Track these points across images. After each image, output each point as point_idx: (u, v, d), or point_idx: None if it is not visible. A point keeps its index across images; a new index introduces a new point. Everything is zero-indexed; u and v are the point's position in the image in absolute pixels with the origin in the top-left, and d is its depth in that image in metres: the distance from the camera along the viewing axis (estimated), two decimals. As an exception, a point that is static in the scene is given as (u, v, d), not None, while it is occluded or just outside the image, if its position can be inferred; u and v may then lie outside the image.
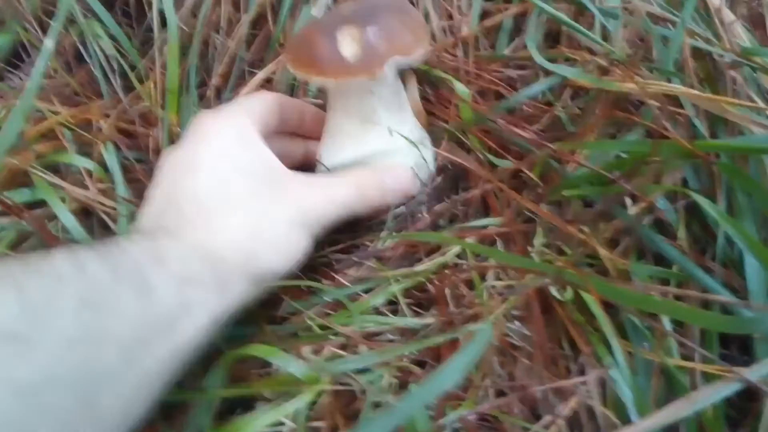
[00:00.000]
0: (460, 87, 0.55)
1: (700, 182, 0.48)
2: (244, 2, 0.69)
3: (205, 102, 0.67)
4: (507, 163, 0.53)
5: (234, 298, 0.40)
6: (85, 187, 0.54)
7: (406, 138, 0.51)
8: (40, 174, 0.54)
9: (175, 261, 0.38)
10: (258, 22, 0.69)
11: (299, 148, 0.56)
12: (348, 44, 0.45)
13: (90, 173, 0.56)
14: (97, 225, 0.55)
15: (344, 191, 0.47)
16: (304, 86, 0.64)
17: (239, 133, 0.45)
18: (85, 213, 0.55)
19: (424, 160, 0.52)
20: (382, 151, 0.51)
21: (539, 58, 0.55)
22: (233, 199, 0.42)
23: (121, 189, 0.55)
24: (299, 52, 0.47)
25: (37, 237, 0.51)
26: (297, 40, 0.49)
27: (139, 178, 0.56)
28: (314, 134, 0.55)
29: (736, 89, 0.52)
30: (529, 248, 0.48)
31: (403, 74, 0.55)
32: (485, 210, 0.53)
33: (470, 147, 0.54)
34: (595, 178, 0.48)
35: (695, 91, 0.46)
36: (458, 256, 0.49)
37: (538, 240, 0.49)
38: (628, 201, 0.49)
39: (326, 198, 0.46)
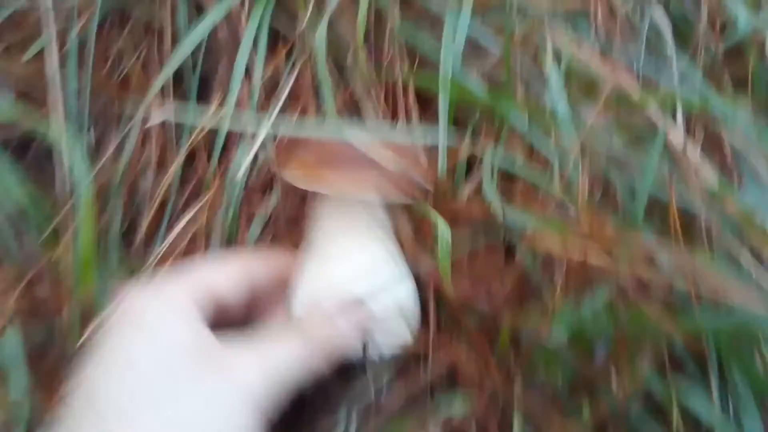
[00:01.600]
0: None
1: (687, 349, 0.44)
2: (175, 142, 0.64)
3: (133, 255, 0.60)
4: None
5: None
6: None
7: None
8: None
9: None
10: (190, 162, 0.63)
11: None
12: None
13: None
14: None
15: (293, 351, 0.40)
16: (245, 230, 0.58)
17: (160, 310, 0.40)
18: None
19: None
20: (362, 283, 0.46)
21: (500, 211, 0.51)
22: (161, 400, 0.36)
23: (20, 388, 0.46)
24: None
25: None
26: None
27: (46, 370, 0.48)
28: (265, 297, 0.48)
29: (713, 240, 0.48)
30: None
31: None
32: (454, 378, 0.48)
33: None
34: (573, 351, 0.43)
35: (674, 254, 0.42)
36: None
37: (518, 427, 0.43)
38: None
39: (268, 364, 0.39)
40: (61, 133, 0.57)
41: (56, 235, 0.58)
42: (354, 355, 0.45)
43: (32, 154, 0.66)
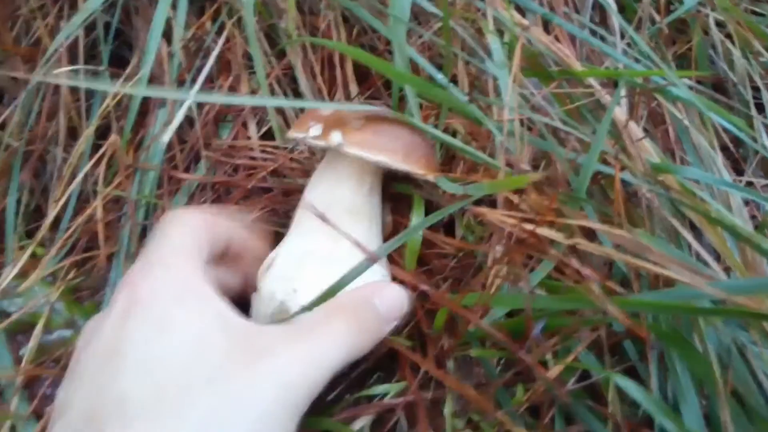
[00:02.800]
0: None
1: (627, 331, 0.42)
2: (86, 111, 0.58)
3: (37, 238, 0.54)
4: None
5: None
6: None
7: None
8: None
9: None
10: (104, 133, 0.58)
11: (235, 277, 0.43)
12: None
13: None
14: None
15: (340, 336, 0.36)
16: (165, 206, 0.53)
17: (179, 292, 0.34)
18: None
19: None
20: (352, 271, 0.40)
21: (447, 185, 0.48)
22: (177, 397, 0.30)
23: None
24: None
25: None
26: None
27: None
28: (244, 259, 0.43)
29: (653, 214, 0.47)
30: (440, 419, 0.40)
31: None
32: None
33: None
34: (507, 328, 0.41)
35: (615, 230, 0.40)
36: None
37: (449, 410, 0.40)
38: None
39: (319, 357, 0.34)
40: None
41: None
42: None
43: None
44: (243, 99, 0.55)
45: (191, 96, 0.44)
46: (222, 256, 0.42)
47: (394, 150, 0.43)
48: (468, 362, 0.43)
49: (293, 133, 0.45)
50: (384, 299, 0.40)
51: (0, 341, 0.47)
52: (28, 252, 0.52)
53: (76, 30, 0.54)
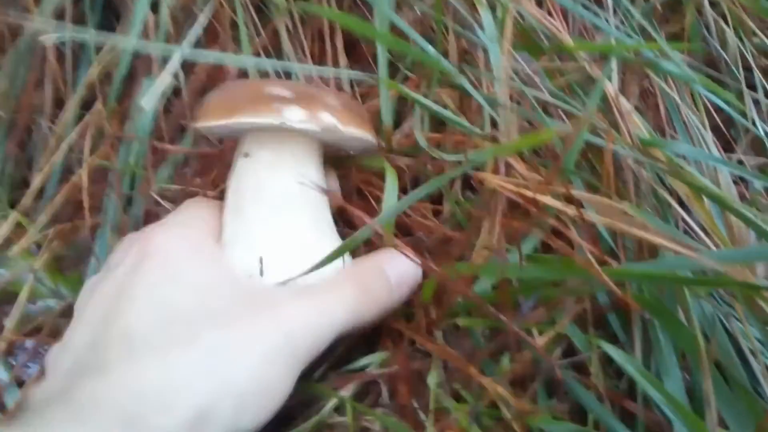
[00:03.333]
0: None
1: (612, 303, 0.42)
2: (73, 76, 0.57)
3: (21, 207, 0.54)
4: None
5: None
6: None
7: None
8: None
9: None
10: (91, 103, 0.57)
11: None
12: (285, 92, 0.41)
13: None
14: None
15: (347, 300, 0.37)
16: (150, 177, 0.53)
17: (193, 247, 0.37)
18: None
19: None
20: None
21: (435, 153, 0.47)
22: (183, 332, 0.32)
23: None
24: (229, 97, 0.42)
25: None
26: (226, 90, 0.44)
27: None
28: None
29: (641, 188, 0.46)
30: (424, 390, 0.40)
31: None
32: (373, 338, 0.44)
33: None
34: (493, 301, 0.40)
35: (604, 200, 0.40)
36: (336, 410, 0.39)
37: (433, 380, 0.40)
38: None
39: (323, 313, 0.35)
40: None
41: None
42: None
43: None
44: (228, 57, 0.54)
45: (177, 55, 0.44)
46: None
47: (371, 126, 0.44)
48: (454, 333, 0.43)
49: (249, 118, 0.39)
50: (395, 269, 0.40)
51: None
52: (11, 220, 0.51)
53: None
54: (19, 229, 0.51)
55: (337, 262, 0.39)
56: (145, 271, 0.34)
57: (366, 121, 0.44)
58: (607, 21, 0.59)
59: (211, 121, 0.40)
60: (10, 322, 0.46)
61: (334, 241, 0.42)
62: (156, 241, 0.36)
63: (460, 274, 0.40)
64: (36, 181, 0.54)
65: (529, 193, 0.40)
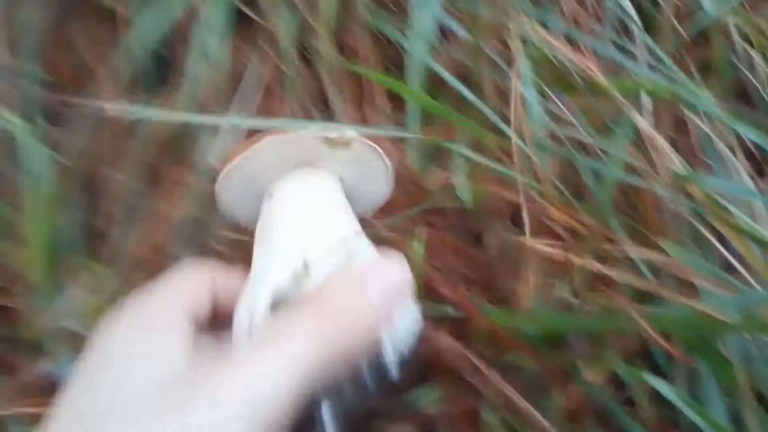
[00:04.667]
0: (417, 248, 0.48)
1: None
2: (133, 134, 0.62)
3: (94, 249, 0.58)
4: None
5: None
6: None
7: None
8: None
9: None
10: (150, 155, 0.61)
11: None
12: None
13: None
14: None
15: (309, 339, 0.29)
16: (212, 225, 0.57)
17: (156, 321, 0.32)
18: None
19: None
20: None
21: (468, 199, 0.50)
22: (141, 413, 0.28)
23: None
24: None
25: None
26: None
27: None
28: None
29: (678, 221, 0.49)
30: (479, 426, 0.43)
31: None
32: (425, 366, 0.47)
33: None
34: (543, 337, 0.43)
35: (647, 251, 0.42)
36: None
37: (488, 417, 0.43)
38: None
39: (279, 366, 0.29)
40: (17, 125, 0.55)
41: (14, 230, 0.56)
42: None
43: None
44: (275, 122, 0.58)
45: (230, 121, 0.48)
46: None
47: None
48: (506, 369, 0.45)
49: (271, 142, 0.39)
50: (379, 281, 0.32)
51: (69, 360, 0.50)
52: (86, 268, 0.55)
53: (125, 59, 0.57)
54: (95, 277, 0.56)
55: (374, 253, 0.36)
56: (111, 347, 0.31)
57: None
58: (636, 58, 0.61)
59: (229, 164, 0.39)
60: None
61: (368, 243, 0.38)
62: (102, 328, 0.32)
63: (507, 319, 0.43)
64: (107, 229, 0.58)
65: (562, 257, 0.43)
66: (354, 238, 0.37)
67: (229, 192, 0.42)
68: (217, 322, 0.36)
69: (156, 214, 0.57)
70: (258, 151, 0.39)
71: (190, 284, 0.35)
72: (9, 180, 0.62)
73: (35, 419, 0.46)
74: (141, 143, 0.60)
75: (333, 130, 0.39)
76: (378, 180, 0.44)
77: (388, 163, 0.42)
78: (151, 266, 0.55)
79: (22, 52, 0.59)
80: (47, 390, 0.49)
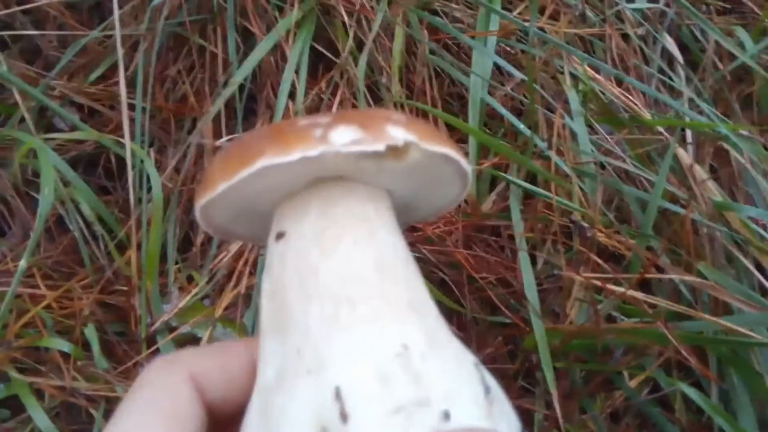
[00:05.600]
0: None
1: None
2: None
3: (190, 260, 0.67)
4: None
5: None
6: (62, 373, 0.53)
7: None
8: (17, 374, 0.53)
9: None
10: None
11: None
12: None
13: (69, 357, 0.55)
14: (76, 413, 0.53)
15: None
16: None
17: (165, 404, 0.26)
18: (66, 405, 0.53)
19: None
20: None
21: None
22: None
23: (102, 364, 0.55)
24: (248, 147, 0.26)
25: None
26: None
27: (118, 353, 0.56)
28: None
29: (716, 247, 0.54)
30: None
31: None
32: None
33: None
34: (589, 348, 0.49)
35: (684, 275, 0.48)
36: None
37: (538, 417, 0.49)
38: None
39: None
40: (130, 149, 0.64)
41: (124, 242, 0.65)
42: None
43: (100, 170, 0.73)
44: None
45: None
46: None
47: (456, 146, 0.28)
48: (556, 374, 0.51)
49: (272, 159, 0.24)
50: None
51: (170, 349, 0.59)
52: (182, 275, 0.64)
53: (222, 96, 0.66)
54: (190, 283, 0.64)
55: (477, 395, 0.23)
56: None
57: (449, 140, 0.29)
58: (680, 94, 0.66)
59: (209, 193, 0.26)
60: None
61: (453, 346, 0.25)
62: (130, 401, 0.26)
63: (559, 331, 0.49)
64: (195, 246, 0.67)
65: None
66: (423, 345, 0.24)
67: (215, 218, 0.29)
68: (226, 416, 0.29)
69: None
70: (253, 177, 0.25)
71: (155, 427, 0.26)
72: (119, 199, 0.72)
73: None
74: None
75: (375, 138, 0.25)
76: (448, 186, 0.31)
77: (467, 166, 0.28)
78: (238, 274, 0.63)
79: (135, 88, 0.69)
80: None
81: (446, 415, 0.22)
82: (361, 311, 0.25)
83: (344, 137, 0.25)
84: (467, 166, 0.28)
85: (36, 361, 0.55)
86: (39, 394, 0.53)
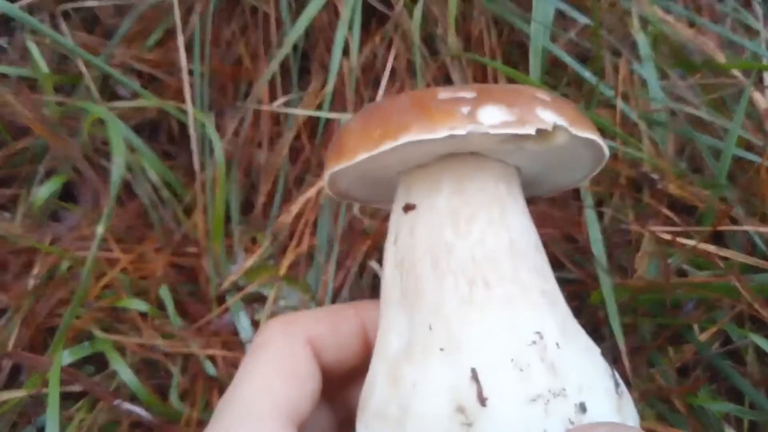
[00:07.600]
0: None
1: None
2: (284, 119, 0.71)
3: (253, 221, 0.68)
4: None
5: None
6: (140, 331, 0.57)
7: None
8: (100, 333, 0.56)
9: None
10: (299, 137, 0.70)
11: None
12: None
13: (146, 317, 0.58)
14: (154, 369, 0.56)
15: None
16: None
17: (287, 365, 0.29)
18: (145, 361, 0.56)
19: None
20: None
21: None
22: None
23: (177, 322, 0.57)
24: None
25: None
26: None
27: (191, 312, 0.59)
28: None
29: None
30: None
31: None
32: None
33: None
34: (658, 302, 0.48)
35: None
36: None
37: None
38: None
39: None
40: (191, 113, 0.65)
41: (191, 204, 0.67)
42: None
43: (162, 136, 0.75)
44: None
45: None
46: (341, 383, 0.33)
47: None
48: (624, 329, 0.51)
49: (420, 135, 0.25)
50: None
51: (239, 308, 0.61)
52: (247, 236, 0.66)
53: (277, 58, 0.66)
54: (254, 243, 0.66)
55: (609, 389, 0.25)
56: (240, 391, 0.28)
57: (593, 124, 0.29)
58: (756, 35, 0.62)
59: (345, 161, 0.26)
60: (262, 318, 0.60)
61: (584, 337, 0.27)
62: (251, 361, 0.29)
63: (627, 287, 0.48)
64: (257, 207, 0.68)
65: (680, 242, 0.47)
66: (557, 334, 0.24)
67: (341, 183, 0.32)
68: (336, 377, 0.32)
69: (302, 191, 0.66)
70: (394, 150, 0.25)
71: (279, 385, 0.29)
72: (182, 163, 0.74)
73: (216, 358, 0.58)
74: (289, 130, 0.69)
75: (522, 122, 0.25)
76: (580, 167, 0.31)
77: (607, 152, 0.29)
78: (299, 235, 0.64)
79: (191, 53, 0.69)
80: (226, 334, 0.60)
81: (582, 408, 0.23)
82: (495, 293, 0.25)
83: (493, 118, 0.25)
84: (607, 152, 0.28)
85: (115, 321, 0.58)
86: (120, 351, 0.56)
